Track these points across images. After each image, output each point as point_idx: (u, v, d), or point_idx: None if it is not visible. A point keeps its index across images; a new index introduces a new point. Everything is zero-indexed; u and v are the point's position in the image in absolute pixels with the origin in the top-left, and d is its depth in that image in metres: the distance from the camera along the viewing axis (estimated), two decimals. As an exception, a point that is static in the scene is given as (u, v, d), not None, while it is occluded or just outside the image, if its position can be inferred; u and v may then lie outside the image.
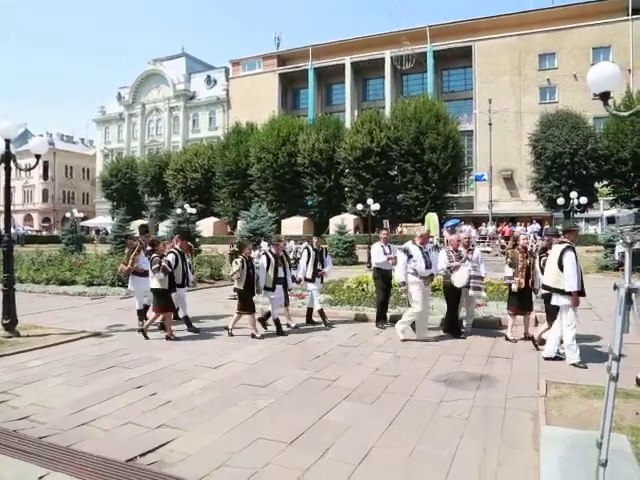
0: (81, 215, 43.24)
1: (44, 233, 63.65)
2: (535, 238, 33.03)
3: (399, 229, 37.94)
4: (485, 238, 36.65)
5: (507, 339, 8.46)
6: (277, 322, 9.34)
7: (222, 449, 4.34)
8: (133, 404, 5.45)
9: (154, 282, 8.82)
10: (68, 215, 37.79)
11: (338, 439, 4.53)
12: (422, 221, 36.92)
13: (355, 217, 39.79)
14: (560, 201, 32.91)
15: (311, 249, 10.42)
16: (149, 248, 9.68)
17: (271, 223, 35.63)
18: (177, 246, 9.88)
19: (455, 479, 3.82)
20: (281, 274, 9.43)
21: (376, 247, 9.91)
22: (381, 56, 53.29)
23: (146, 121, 67.64)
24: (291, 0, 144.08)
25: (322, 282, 10.91)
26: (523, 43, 47.11)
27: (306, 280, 10.27)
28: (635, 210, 3.67)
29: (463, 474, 3.89)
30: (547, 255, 7.59)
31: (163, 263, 8.81)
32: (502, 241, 33.50)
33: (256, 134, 46.82)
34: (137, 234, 12.22)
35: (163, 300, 8.85)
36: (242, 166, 46.19)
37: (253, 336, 8.83)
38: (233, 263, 9.15)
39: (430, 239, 10.23)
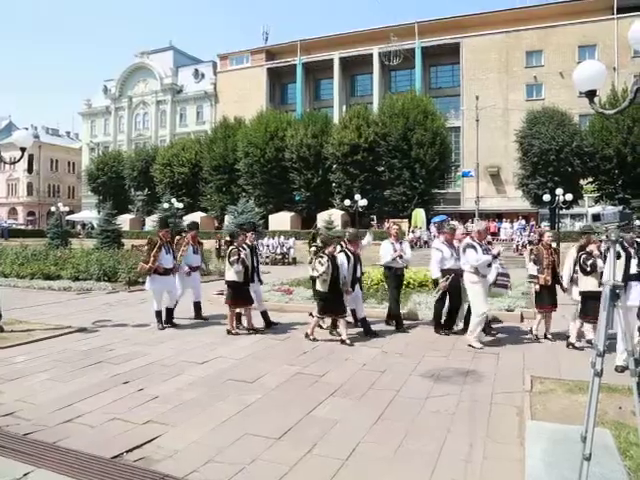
0: (66, 209, 42.91)
1: (29, 227, 62.98)
2: (521, 234, 33.52)
3: (386, 224, 38.05)
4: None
5: (531, 333, 8.33)
6: (364, 321, 8.82)
7: (210, 445, 4.33)
8: (120, 400, 5.42)
9: (230, 274, 8.69)
10: (53, 209, 37.38)
11: (325, 435, 4.54)
12: (409, 217, 37.09)
13: (343, 213, 39.84)
14: (546, 197, 33.19)
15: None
16: (227, 239, 9.71)
17: (258, 218, 35.59)
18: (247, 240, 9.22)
19: (441, 474, 3.85)
20: (358, 273, 8.97)
21: (386, 245, 9.24)
22: (369, 52, 53.31)
23: (133, 115, 67.03)
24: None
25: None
26: (510, 40, 47.37)
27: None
28: (619, 208, 3.70)
29: (449, 469, 3.93)
30: (587, 253, 7.46)
31: (242, 255, 8.55)
32: (489, 237, 33.65)
33: (244, 129, 46.64)
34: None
35: (239, 293, 8.70)
36: (229, 161, 46.03)
37: (343, 342, 7.97)
38: (317, 263, 8.02)
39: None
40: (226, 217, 38.73)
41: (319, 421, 4.86)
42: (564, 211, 36.45)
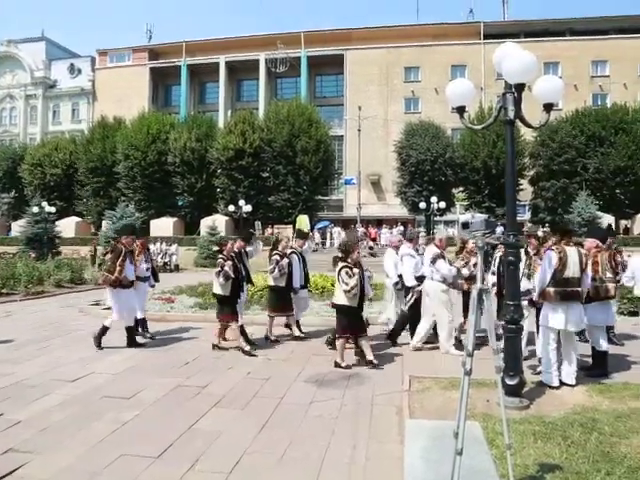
0: None
1: None
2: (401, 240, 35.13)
3: (269, 230, 38.16)
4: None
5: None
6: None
7: (82, 470, 4.03)
8: (-26, 429, 4.84)
9: (216, 286, 8.02)
10: None
11: (208, 448, 4.44)
12: (293, 223, 37.49)
13: (227, 218, 39.40)
14: (422, 205, 35.28)
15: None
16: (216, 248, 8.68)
17: (139, 223, 34.19)
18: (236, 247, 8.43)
19: (326, 478, 3.91)
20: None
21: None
22: (256, 57, 53.40)
23: (-3, 109, 61.57)
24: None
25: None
26: (391, 56, 49.81)
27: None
28: (485, 216, 4.02)
29: (333, 472, 4.00)
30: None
31: (226, 267, 7.76)
32: (370, 243, 34.91)
33: (124, 130, 44.53)
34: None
35: (226, 305, 8.05)
36: (108, 163, 43.63)
37: (371, 363, 7.00)
38: (345, 275, 6.91)
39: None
40: (104, 222, 36.78)
41: (202, 434, 4.74)
42: (438, 218, 38.85)
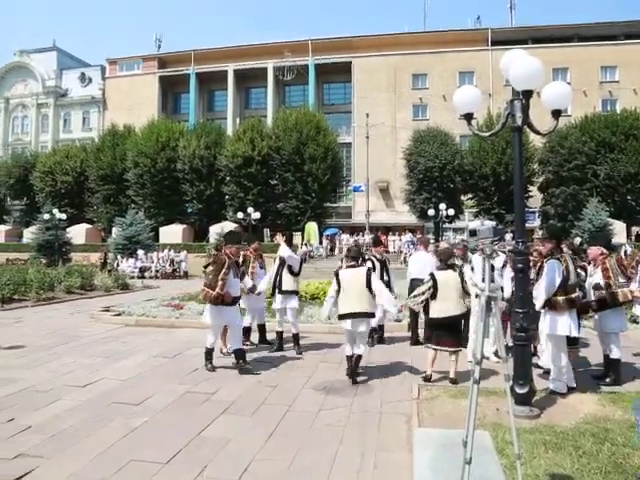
0: None
1: None
2: (409, 247, 35.06)
3: (277, 238, 38.13)
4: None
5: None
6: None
7: (91, 476, 4.04)
8: (-15, 434, 4.87)
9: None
10: None
11: (216, 455, 4.43)
12: (302, 230, 37.54)
13: (236, 225, 39.50)
14: (431, 212, 35.17)
15: (375, 259, 9.02)
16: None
17: (148, 230, 34.41)
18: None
19: (333, 487, 3.89)
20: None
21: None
22: (264, 65, 53.68)
23: (10, 118, 62.07)
24: (173, 2, 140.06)
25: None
26: (399, 63, 49.86)
27: None
28: (493, 224, 4.01)
29: (341, 482, 3.97)
30: None
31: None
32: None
33: (134, 137, 44.88)
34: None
35: None
36: (118, 170, 43.98)
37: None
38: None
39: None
40: (114, 229, 37.04)
41: (210, 441, 4.73)
42: (447, 225, 38.74)
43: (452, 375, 6.61)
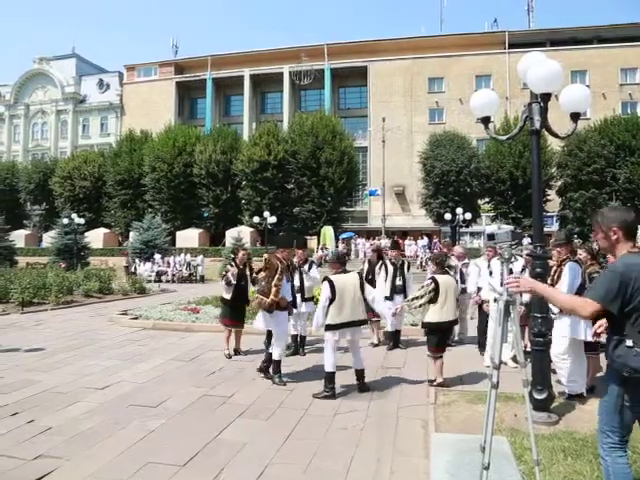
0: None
1: None
2: (425, 251, 34.93)
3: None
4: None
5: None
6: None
7: (109, 477, 4.09)
8: (6, 434, 4.96)
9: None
10: None
11: (233, 458, 4.44)
12: (318, 234, 37.55)
13: (252, 230, 39.67)
14: (447, 216, 34.92)
15: (389, 263, 9.22)
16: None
17: (165, 235, 34.69)
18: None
19: (349, 492, 3.88)
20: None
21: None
22: (280, 70, 53.91)
23: (30, 124, 63.07)
24: (189, 8, 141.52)
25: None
26: (415, 67, 49.75)
27: (386, 298, 8.51)
28: (511, 227, 3.99)
29: (357, 486, 3.95)
30: None
31: (228, 273, 8.40)
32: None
33: (151, 143, 45.36)
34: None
35: (227, 311, 8.65)
36: (135, 175, 44.49)
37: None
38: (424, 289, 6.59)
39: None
40: (131, 233, 37.40)
41: (227, 444, 4.74)
42: (464, 229, 38.47)
43: (440, 380, 6.54)
